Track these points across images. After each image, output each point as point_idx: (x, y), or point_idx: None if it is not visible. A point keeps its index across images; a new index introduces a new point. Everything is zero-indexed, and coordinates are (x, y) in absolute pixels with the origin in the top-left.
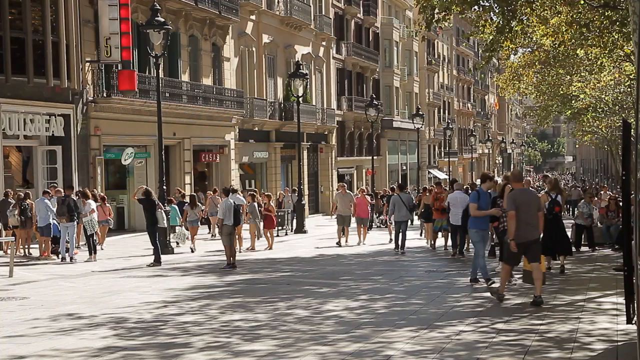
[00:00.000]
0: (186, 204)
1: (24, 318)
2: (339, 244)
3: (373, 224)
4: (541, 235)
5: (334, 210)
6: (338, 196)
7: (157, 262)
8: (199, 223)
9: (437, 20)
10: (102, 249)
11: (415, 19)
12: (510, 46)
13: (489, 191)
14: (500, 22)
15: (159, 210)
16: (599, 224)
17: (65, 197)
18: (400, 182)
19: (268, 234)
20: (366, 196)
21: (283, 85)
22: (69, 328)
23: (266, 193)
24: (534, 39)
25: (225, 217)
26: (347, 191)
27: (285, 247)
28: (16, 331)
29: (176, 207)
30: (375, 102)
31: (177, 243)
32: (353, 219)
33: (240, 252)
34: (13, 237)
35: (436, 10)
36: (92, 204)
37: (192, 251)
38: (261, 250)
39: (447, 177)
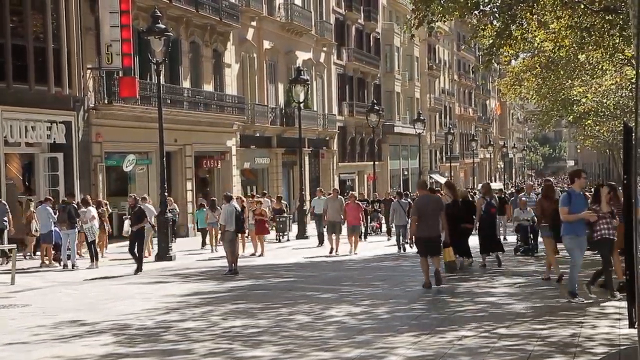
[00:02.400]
0: (206, 208)
1: (25, 325)
2: (332, 252)
3: (367, 231)
4: (442, 234)
5: (324, 216)
6: (328, 201)
7: (139, 269)
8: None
9: (430, 21)
10: (152, 249)
11: (410, 18)
12: (509, 51)
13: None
14: (500, 26)
15: (146, 219)
16: None
17: (65, 204)
18: (401, 189)
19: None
20: (357, 202)
21: (284, 91)
22: (70, 335)
23: (257, 199)
24: (535, 43)
25: (227, 223)
26: (338, 196)
27: (286, 253)
28: (18, 338)
29: (205, 211)
30: (376, 107)
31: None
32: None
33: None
34: (15, 245)
35: (433, 12)
36: (93, 211)
37: (212, 251)
38: (246, 256)
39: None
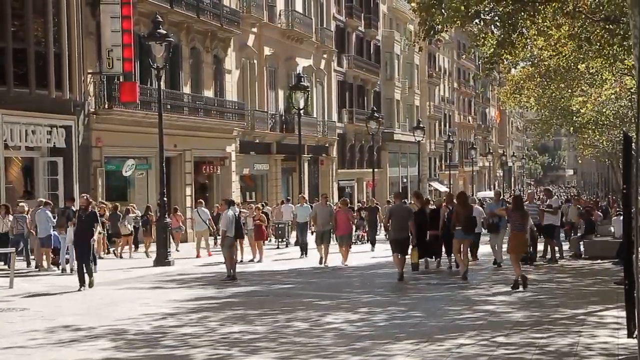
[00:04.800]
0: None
1: (23, 329)
2: (321, 263)
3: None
4: (411, 236)
5: (313, 224)
6: (317, 208)
7: (86, 283)
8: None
9: (436, 33)
10: (178, 251)
11: (415, 30)
12: (510, 58)
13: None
14: (501, 35)
15: (97, 224)
16: None
17: (65, 208)
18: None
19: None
20: (348, 209)
21: (284, 98)
22: (68, 339)
23: (256, 205)
24: (535, 52)
25: (228, 228)
26: (329, 203)
27: (285, 260)
28: (15, 342)
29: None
30: (376, 114)
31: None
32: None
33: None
34: (14, 249)
35: (436, 22)
36: None
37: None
38: (245, 262)
39: (447, 189)
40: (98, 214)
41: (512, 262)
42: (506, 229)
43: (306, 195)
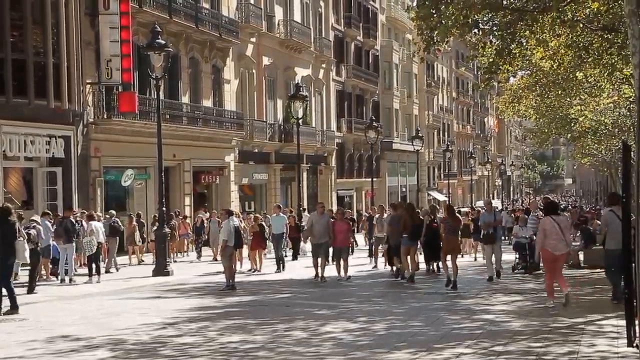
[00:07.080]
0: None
1: (22, 339)
2: (317, 278)
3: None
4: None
5: (305, 236)
6: (313, 218)
7: (14, 309)
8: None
9: (435, 42)
10: (184, 255)
11: (414, 40)
12: (509, 69)
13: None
14: (500, 45)
15: (21, 239)
16: None
17: (63, 219)
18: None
19: (256, 256)
20: (347, 219)
21: (283, 107)
22: (67, 349)
23: (255, 214)
24: (533, 61)
25: (229, 238)
26: (326, 212)
27: (284, 269)
28: (15, 352)
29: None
30: (374, 123)
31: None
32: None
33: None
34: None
35: (435, 33)
36: (92, 225)
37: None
38: (244, 272)
39: (446, 199)
40: (75, 224)
41: (442, 263)
42: (501, 240)
43: (305, 205)
